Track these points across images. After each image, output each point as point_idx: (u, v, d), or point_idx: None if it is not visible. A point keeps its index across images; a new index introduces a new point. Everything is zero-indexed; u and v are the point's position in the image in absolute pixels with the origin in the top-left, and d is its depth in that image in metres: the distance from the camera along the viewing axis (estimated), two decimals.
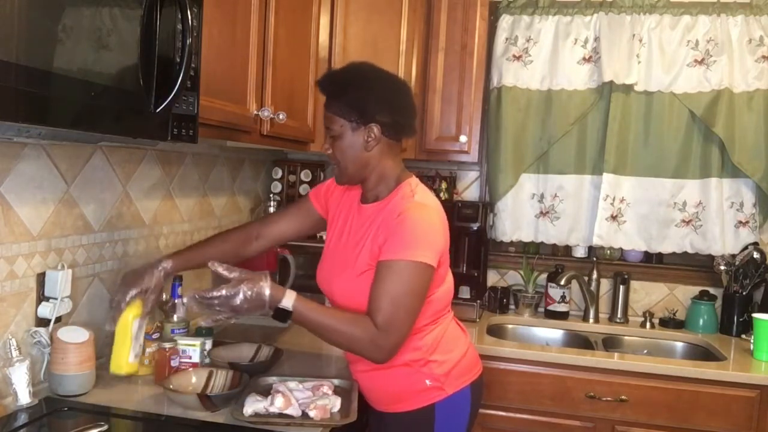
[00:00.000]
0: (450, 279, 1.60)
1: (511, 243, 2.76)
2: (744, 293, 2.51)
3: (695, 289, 2.62)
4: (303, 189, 2.75)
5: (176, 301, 1.77)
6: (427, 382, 1.54)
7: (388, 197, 1.52)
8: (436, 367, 1.54)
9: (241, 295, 1.32)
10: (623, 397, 2.13)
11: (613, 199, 2.59)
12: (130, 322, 1.50)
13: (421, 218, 1.44)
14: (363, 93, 1.47)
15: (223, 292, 1.32)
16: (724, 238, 2.52)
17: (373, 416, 1.68)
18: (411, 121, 1.56)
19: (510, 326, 2.64)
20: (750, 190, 2.52)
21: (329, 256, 1.63)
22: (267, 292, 1.33)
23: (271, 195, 2.66)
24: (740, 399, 2.08)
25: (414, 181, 1.56)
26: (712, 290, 2.60)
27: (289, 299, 1.35)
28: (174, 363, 1.61)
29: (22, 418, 1.34)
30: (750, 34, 2.46)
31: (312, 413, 1.41)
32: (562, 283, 2.58)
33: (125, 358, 1.51)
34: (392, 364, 1.49)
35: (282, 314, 1.36)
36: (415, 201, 1.47)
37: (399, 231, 1.41)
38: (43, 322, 1.51)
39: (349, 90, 1.48)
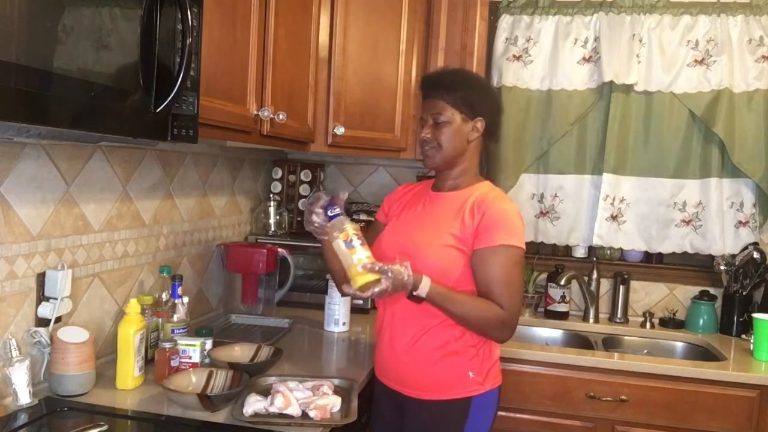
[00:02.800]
0: None
1: None
2: (744, 293, 2.51)
3: (695, 289, 2.62)
4: (303, 189, 2.75)
5: (176, 301, 1.77)
6: (471, 374, 1.60)
7: (469, 188, 1.66)
8: (482, 361, 1.62)
9: (399, 272, 1.44)
10: (623, 397, 2.13)
11: (613, 199, 2.59)
12: (131, 336, 1.53)
13: (511, 208, 1.61)
14: (476, 92, 1.67)
15: (396, 265, 1.45)
16: (724, 238, 2.52)
17: (389, 403, 1.70)
18: (500, 130, 1.77)
19: None
20: (750, 190, 2.52)
21: (393, 233, 1.70)
22: (408, 279, 1.46)
23: (271, 195, 2.66)
24: (740, 399, 2.08)
25: (491, 183, 1.72)
26: (712, 290, 2.60)
27: (424, 288, 1.49)
28: (174, 363, 1.61)
29: (22, 418, 1.34)
30: (750, 34, 2.46)
31: (312, 413, 1.41)
32: (562, 283, 2.58)
33: (131, 373, 1.56)
34: (444, 352, 1.59)
35: (416, 298, 1.50)
36: (502, 194, 1.67)
37: (496, 219, 1.56)
38: (43, 322, 1.51)
39: (466, 85, 1.66)
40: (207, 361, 1.70)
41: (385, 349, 1.69)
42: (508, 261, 1.54)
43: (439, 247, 1.58)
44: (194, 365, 1.63)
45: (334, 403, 1.48)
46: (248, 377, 1.57)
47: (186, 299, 1.80)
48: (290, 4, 1.89)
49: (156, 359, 1.62)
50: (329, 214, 1.56)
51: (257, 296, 2.32)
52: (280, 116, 1.80)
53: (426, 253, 1.58)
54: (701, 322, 2.55)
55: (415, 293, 1.49)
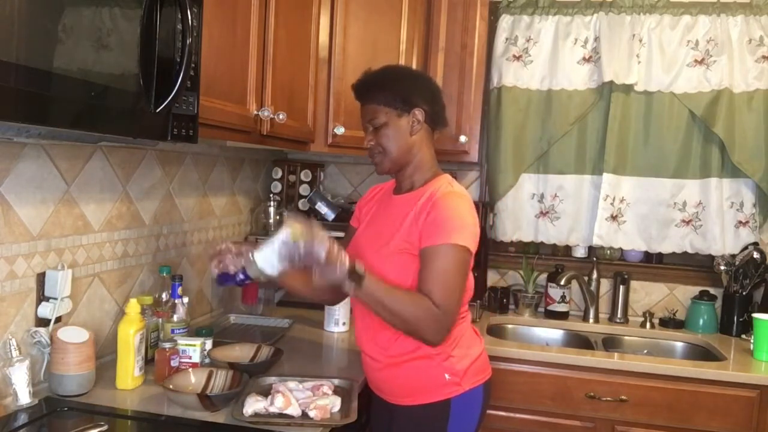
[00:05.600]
0: (471, 275, 1.63)
1: (511, 243, 2.76)
2: (744, 293, 2.51)
3: (695, 289, 2.62)
4: (303, 189, 2.75)
5: (176, 301, 1.77)
6: (446, 376, 1.57)
7: (424, 187, 1.61)
8: (456, 362, 1.58)
9: (325, 245, 1.34)
10: (623, 397, 2.13)
11: (613, 199, 2.59)
12: (131, 336, 1.53)
13: (458, 206, 1.53)
14: (405, 83, 1.62)
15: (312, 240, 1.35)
16: (724, 238, 2.52)
17: (380, 408, 1.69)
18: (445, 112, 1.69)
19: (510, 326, 2.64)
20: (750, 190, 2.52)
21: (357, 239, 1.70)
22: (344, 255, 1.37)
23: (271, 195, 2.66)
24: (740, 399, 2.08)
25: (449, 177, 1.65)
26: (712, 290, 2.60)
27: (361, 266, 1.40)
28: (174, 363, 1.61)
29: (22, 418, 1.34)
30: (750, 34, 2.46)
31: (312, 413, 1.41)
32: (562, 283, 2.58)
33: (131, 373, 1.56)
34: (414, 356, 1.55)
35: (354, 279, 1.39)
36: (452, 191, 1.57)
37: (439, 218, 1.50)
38: (43, 322, 1.51)
39: (392, 81, 1.61)
40: (207, 361, 1.70)
41: (364, 359, 1.69)
42: (449, 259, 1.47)
43: (391, 255, 1.55)
44: (194, 365, 1.63)
45: (334, 403, 1.48)
46: (248, 377, 1.58)
47: (186, 299, 1.80)
48: (290, 4, 1.89)
49: (156, 359, 1.62)
50: (238, 280, 1.55)
51: (257, 296, 2.32)
52: (280, 116, 1.80)
53: (380, 261, 1.54)
54: (701, 322, 2.55)
55: (356, 269, 1.39)
